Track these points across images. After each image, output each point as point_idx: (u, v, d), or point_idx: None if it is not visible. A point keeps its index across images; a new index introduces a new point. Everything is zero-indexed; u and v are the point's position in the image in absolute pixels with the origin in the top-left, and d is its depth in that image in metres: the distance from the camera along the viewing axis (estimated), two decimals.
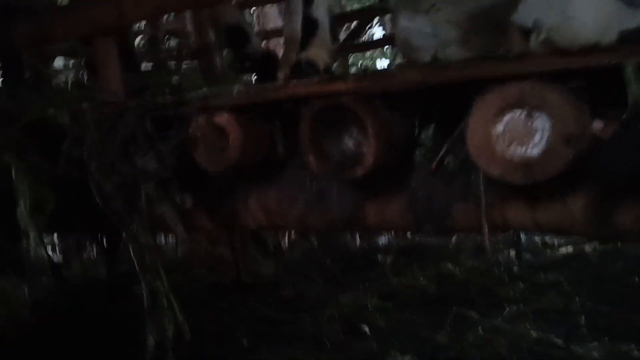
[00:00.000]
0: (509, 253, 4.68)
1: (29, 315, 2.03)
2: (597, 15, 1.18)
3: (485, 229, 1.44)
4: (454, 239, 5.19)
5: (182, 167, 1.66)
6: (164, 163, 1.55)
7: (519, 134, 1.21)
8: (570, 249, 4.48)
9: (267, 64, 2.03)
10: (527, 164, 1.20)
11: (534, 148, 1.20)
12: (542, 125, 1.18)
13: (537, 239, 4.65)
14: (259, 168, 1.78)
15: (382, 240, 5.89)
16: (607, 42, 1.15)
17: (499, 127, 1.22)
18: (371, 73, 1.39)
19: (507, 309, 3.00)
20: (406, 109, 1.46)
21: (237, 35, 2.03)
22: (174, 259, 4.51)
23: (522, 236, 5.09)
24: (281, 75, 1.89)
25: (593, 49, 1.13)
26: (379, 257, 5.05)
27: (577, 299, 3.21)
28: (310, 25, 1.76)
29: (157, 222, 1.73)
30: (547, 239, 4.69)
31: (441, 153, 1.43)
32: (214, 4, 1.91)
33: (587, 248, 4.36)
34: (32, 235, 1.67)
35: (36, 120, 1.72)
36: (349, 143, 1.55)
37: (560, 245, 4.59)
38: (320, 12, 1.75)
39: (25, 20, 1.74)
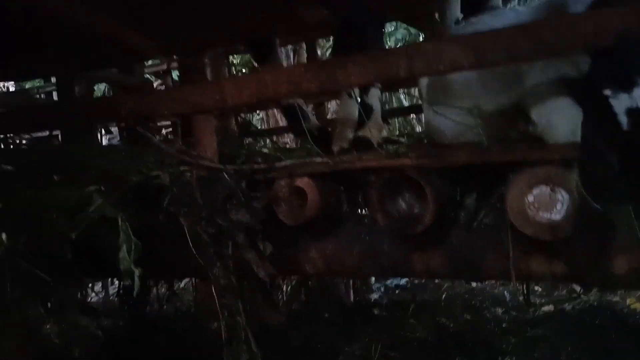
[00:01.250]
0: (497, 310, 5.11)
1: (105, 352, 2.29)
2: (569, 123, 1.68)
3: (513, 278, 1.84)
4: (443, 296, 5.62)
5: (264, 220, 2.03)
6: (255, 217, 1.92)
7: (546, 203, 1.64)
8: (551, 307, 4.94)
9: (321, 137, 2.46)
10: (552, 226, 1.62)
11: (557, 214, 1.63)
12: (562, 197, 1.62)
13: (521, 298, 5.05)
14: (320, 222, 2.16)
15: (375, 295, 6.24)
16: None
17: (530, 197, 1.65)
18: (430, 151, 1.80)
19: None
20: (453, 178, 1.89)
21: (296, 113, 2.47)
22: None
23: (507, 295, 5.56)
24: (336, 147, 2.32)
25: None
26: (375, 310, 5.41)
27: (565, 352, 3.63)
28: (365, 109, 2.21)
29: (238, 266, 2.07)
30: (531, 298, 5.13)
31: (480, 215, 1.84)
32: (303, 94, 2.34)
33: (567, 306, 4.83)
34: (135, 275, 1.98)
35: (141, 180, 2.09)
36: (402, 204, 1.97)
37: (542, 304, 5.04)
38: (374, 100, 2.21)
39: (130, 97, 2.12)
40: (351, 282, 5.74)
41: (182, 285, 5.52)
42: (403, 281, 6.27)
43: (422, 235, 1.93)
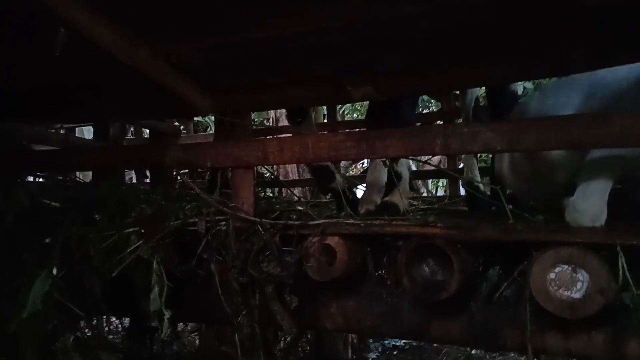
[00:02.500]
0: None
1: None
2: (593, 211, 1.83)
3: (530, 352, 1.92)
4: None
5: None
6: (287, 270, 2.02)
7: (566, 282, 1.74)
8: None
9: (346, 197, 2.59)
10: (572, 304, 1.72)
11: (577, 293, 1.73)
12: (583, 278, 1.72)
13: None
14: (344, 279, 2.25)
15: (372, 355, 6.21)
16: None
17: (552, 275, 1.76)
18: (459, 224, 1.92)
19: None
20: (477, 249, 2.00)
21: (324, 172, 2.62)
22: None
23: None
24: (363, 209, 2.45)
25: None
26: None
27: None
28: (394, 176, 2.35)
29: (264, 317, 2.15)
30: None
31: (501, 287, 1.94)
32: (340, 160, 2.49)
33: None
34: (165, 315, 2.06)
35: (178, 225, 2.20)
36: (426, 269, 2.07)
37: None
38: (403, 169, 2.35)
39: (177, 146, 2.27)
40: (350, 338, 5.73)
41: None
42: (401, 342, 6.26)
43: (443, 302, 2.02)
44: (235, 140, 2.19)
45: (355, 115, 10.27)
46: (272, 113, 7.41)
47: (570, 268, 1.75)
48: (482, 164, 4.66)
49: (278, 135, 3.90)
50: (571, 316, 1.73)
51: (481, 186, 2.68)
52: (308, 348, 5.61)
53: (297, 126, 2.49)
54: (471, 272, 2.02)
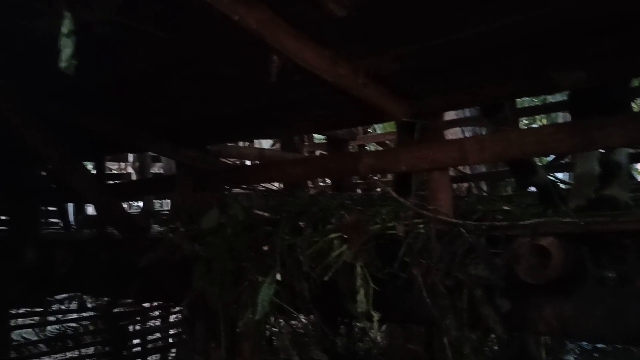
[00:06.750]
0: None
1: None
2: None
3: None
4: None
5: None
6: (496, 273, 1.95)
7: None
8: None
9: (547, 193, 2.41)
10: None
11: None
12: None
13: None
14: (558, 281, 2.10)
15: (570, 357, 5.72)
16: None
17: None
18: None
19: None
20: None
21: (524, 165, 2.46)
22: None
23: None
24: (573, 205, 2.25)
25: None
26: None
27: None
28: (611, 166, 2.11)
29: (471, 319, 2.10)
30: None
31: None
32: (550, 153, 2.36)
33: None
34: (374, 317, 2.13)
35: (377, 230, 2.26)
36: None
37: None
38: (622, 157, 2.11)
39: (370, 153, 2.33)
40: (542, 338, 5.36)
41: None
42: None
43: None
44: (430, 142, 2.18)
45: None
46: None
47: None
48: None
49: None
50: None
51: None
52: (496, 347, 5.38)
53: (493, 122, 2.38)
54: None
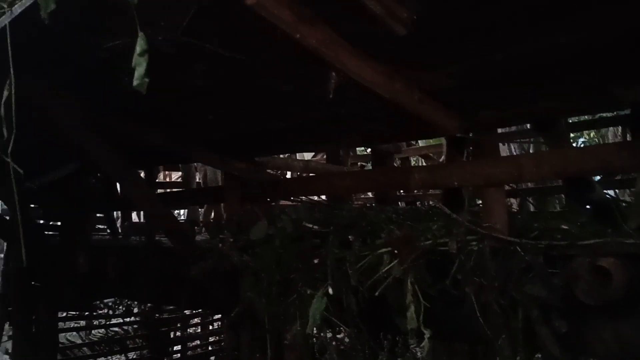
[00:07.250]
0: None
1: None
2: None
3: None
4: None
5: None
6: (554, 293, 1.90)
7: None
8: None
9: (605, 211, 2.34)
10: None
11: None
12: None
13: None
14: (618, 303, 2.03)
15: None
16: None
17: None
18: None
19: None
20: None
21: (580, 182, 2.40)
22: None
23: None
24: (633, 224, 2.18)
25: None
26: None
27: None
28: None
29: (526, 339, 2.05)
30: None
31: None
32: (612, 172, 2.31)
33: None
34: (426, 334, 2.11)
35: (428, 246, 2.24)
36: None
37: None
38: None
39: (421, 169, 2.33)
40: None
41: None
42: None
43: None
44: (484, 158, 2.15)
45: None
46: None
47: None
48: None
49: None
50: None
51: None
52: None
53: (548, 137, 2.34)
54: None
